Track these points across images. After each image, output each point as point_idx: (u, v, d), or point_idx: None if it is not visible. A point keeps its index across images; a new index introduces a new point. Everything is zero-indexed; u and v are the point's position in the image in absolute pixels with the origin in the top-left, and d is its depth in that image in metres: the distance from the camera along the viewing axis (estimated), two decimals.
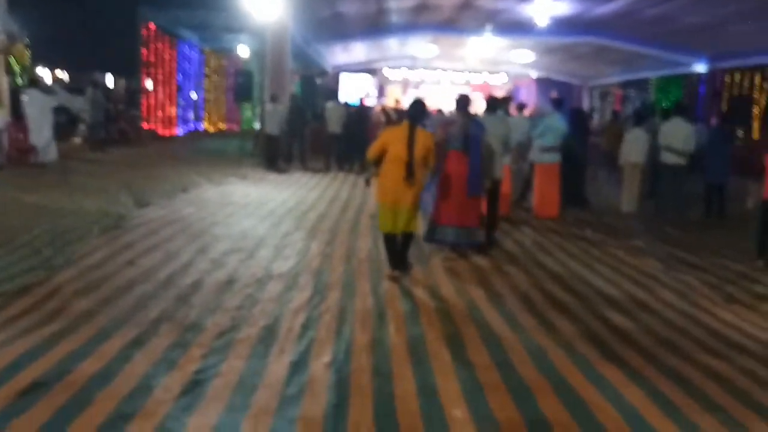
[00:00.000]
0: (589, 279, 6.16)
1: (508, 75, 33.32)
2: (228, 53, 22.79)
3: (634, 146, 9.56)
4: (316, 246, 6.94)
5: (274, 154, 14.42)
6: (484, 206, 7.29)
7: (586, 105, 29.58)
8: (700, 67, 22.17)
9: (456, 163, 6.67)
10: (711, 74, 21.99)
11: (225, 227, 7.69)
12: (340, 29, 21.11)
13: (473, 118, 6.98)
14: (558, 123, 9.16)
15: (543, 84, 31.36)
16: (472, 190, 6.64)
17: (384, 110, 13.52)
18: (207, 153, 16.27)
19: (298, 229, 7.83)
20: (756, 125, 19.66)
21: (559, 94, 30.14)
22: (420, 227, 6.70)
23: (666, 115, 11.40)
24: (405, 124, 5.83)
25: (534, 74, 31.58)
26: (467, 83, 33.37)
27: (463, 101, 6.89)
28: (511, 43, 24.44)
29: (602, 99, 30.86)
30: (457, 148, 6.66)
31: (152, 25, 18.19)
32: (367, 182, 6.48)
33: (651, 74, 25.35)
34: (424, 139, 5.76)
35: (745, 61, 20.12)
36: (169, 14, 17.85)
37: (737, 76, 21.01)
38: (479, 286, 5.77)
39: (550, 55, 26.64)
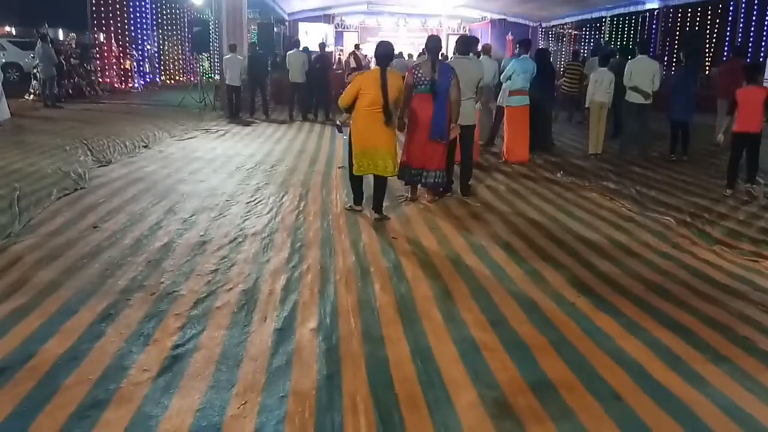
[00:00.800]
0: (568, 224, 5.93)
1: (462, 18, 32.65)
2: (182, 2, 21.58)
3: (599, 87, 9.26)
4: (289, 201, 6.54)
5: (237, 106, 13.78)
6: (458, 153, 6.99)
7: (541, 46, 29.15)
8: (653, 5, 21.91)
9: (422, 107, 6.31)
10: (663, 11, 21.76)
11: (192, 184, 7.21)
12: None
13: (441, 61, 6.56)
14: (527, 65, 8.78)
15: (498, 26, 30.75)
16: (434, 133, 6.29)
17: (355, 55, 12.90)
18: (166, 106, 15.45)
19: (269, 184, 7.39)
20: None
21: (515, 36, 29.72)
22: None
23: (625, 53, 11.14)
24: (376, 68, 5.73)
25: (489, 16, 30.92)
26: (424, 28, 32.62)
27: (432, 43, 6.45)
28: None
29: (557, 40, 30.48)
30: (424, 91, 6.27)
31: None
32: (339, 128, 6.61)
33: (605, 13, 24.96)
34: (395, 80, 5.70)
35: None
36: None
37: (688, 13, 20.84)
38: (460, 236, 5.48)
39: None
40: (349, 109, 5.89)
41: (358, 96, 5.72)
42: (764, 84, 9.58)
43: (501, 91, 9.17)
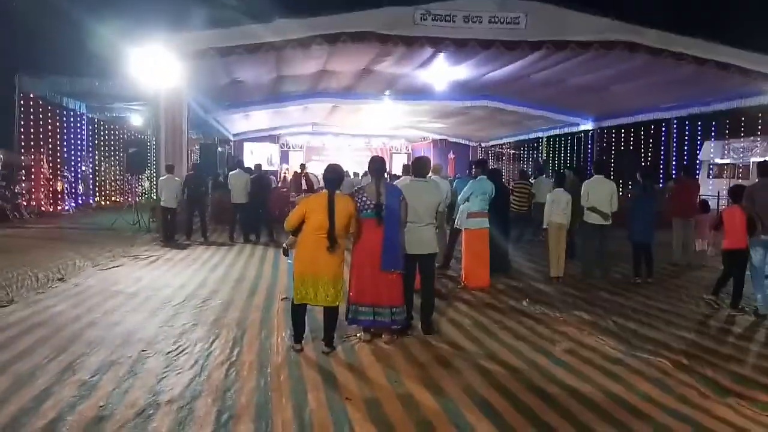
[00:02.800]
0: (551, 371, 4.93)
1: (406, 138, 33.06)
2: (120, 122, 20.76)
3: (556, 207, 8.64)
4: (220, 349, 5.36)
5: (172, 228, 12.65)
6: (418, 283, 6.06)
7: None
8: (588, 126, 22.41)
9: (368, 234, 5.49)
10: (598, 132, 22.25)
11: (104, 329, 5.95)
12: (240, 96, 19.78)
13: (388, 183, 5.77)
14: (485, 186, 8.10)
15: (440, 145, 31.17)
16: (386, 263, 5.43)
17: (306, 176, 12.14)
18: (97, 229, 14.14)
19: (198, 323, 6.21)
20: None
21: (456, 155, 30.03)
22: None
23: (559, 175, 10.68)
24: (324, 191, 5.29)
25: (431, 136, 31.35)
26: (368, 147, 32.81)
27: (375, 164, 5.71)
28: (410, 108, 23.95)
29: (496, 159, 30.93)
30: (369, 216, 5.45)
31: (31, 95, 16.05)
32: (285, 252, 6.04)
33: (541, 134, 25.52)
34: (344, 205, 5.26)
35: (627, 119, 20.44)
36: (51, 83, 15.77)
37: (622, 133, 21.30)
38: (429, 393, 4.40)
39: (447, 118, 26.36)
40: (296, 232, 5.35)
41: (304, 219, 5.18)
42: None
43: (458, 212, 8.42)
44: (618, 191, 8.93)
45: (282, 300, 7.15)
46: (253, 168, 13.98)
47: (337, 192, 5.27)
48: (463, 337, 5.87)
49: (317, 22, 13.52)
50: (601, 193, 8.47)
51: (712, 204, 12.20)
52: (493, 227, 8.29)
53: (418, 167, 6.08)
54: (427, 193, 5.88)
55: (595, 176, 8.72)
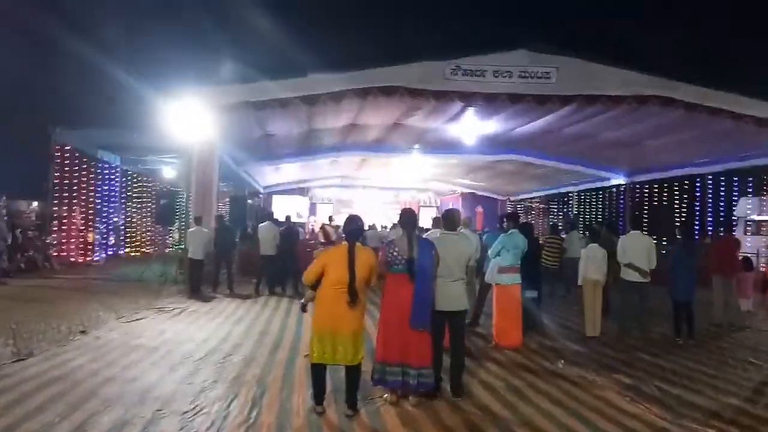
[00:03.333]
0: None
1: (434, 191, 33.00)
2: (153, 174, 21.05)
3: (592, 263, 8.29)
4: (239, 409, 5.08)
5: (198, 280, 12.53)
6: (447, 341, 5.75)
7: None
8: (619, 180, 22.03)
9: (398, 289, 5.24)
10: (630, 187, 21.85)
11: (121, 384, 5.72)
12: (271, 149, 19.93)
13: (420, 236, 5.54)
14: (517, 240, 7.80)
15: (468, 199, 30.96)
16: (415, 321, 5.15)
17: (323, 228, 11.91)
18: (124, 281, 14.09)
19: (218, 380, 5.96)
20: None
21: (485, 209, 29.76)
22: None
23: (594, 230, 10.31)
24: (344, 244, 5.11)
25: (459, 190, 31.21)
26: (397, 200, 32.78)
27: (407, 216, 5.51)
28: (438, 162, 23.91)
29: (525, 213, 30.56)
30: (400, 270, 5.21)
31: (66, 146, 16.36)
32: (304, 307, 5.84)
33: (572, 188, 25.18)
34: (365, 257, 5.06)
35: (660, 174, 20.04)
36: (85, 135, 16.08)
37: (655, 188, 20.88)
38: None
39: (475, 173, 26.25)
40: (315, 286, 5.12)
41: (323, 273, 5.01)
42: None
43: (489, 267, 8.12)
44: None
45: (306, 356, 6.81)
46: (283, 220, 13.91)
47: (358, 244, 5.08)
48: (494, 400, 5.50)
49: (349, 77, 13.61)
50: (638, 249, 8.11)
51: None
52: (524, 283, 7.96)
53: (449, 220, 5.85)
54: (458, 246, 5.63)
55: (632, 231, 8.38)
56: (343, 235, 5.32)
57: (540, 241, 11.78)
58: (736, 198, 18.51)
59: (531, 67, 13.88)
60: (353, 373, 5.08)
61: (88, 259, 17.76)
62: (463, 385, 5.67)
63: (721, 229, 10.12)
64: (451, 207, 6.71)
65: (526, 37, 14.38)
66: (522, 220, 19.05)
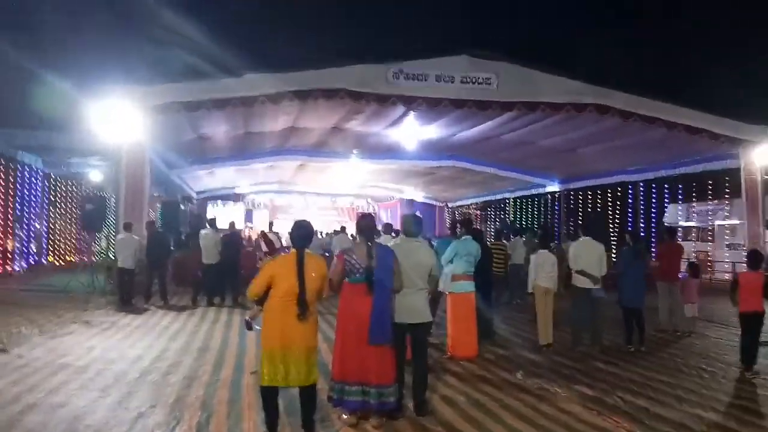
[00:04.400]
0: None
1: (372, 197, 32.76)
2: (78, 177, 19.76)
3: (542, 270, 8.12)
4: None
5: (129, 291, 11.71)
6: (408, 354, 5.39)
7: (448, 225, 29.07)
8: (554, 187, 22.38)
9: (356, 301, 4.85)
10: (564, 193, 22.22)
11: (45, 412, 5.05)
12: (205, 152, 19.16)
13: (379, 244, 5.15)
14: (470, 247, 7.53)
15: (406, 205, 30.86)
16: (374, 335, 4.76)
17: (264, 236, 11.31)
18: (48, 292, 13.04)
19: (156, 404, 5.37)
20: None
21: (423, 215, 29.76)
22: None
23: (542, 236, 10.22)
24: (291, 252, 4.62)
25: (397, 196, 31.08)
26: (334, 206, 32.38)
27: (365, 222, 5.13)
28: (377, 167, 23.67)
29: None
30: (358, 280, 4.82)
31: None
32: (249, 325, 5.19)
33: (508, 195, 25.44)
34: (316, 265, 4.63)
35: (594, 181, 20.45)
36: (4, 136, 14.87)
37: (589, 195, 21.29)
38: None
39: (414, 178, 26.16)
40: (261, 301, 4.62)
41: (270, 285, 4.52)
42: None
43: (442, 275, 7.82)
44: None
45: (252, 373, 6.34)
46: (227, 227, 13.26)
47: (307, 251, 4.61)
48: (459, 417, 5.16)
49: (289, 78, 13.15)
50: (590, 256, 7.99)
51: None
52: (478, 291, 7.71)
53: (410, 225, 5.46)
54: (420, 254, 5.27)
55: (583, 238, 8.26)
56: (288, 243, 4.87)
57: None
58: (667, 204, 19.08)
59: (472, 72, 13.83)
60: (308, 394, 4.62)
61: (7, 268, 16.44)
62: (427, 402, 5.30)
63: (665, 235, 10.16)
64: (415, 213, 6.35)
65: (467, 42, 14.28)
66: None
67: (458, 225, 8.30)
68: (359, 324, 4.80)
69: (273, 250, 9.76)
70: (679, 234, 18.85)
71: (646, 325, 8.47)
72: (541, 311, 8.19)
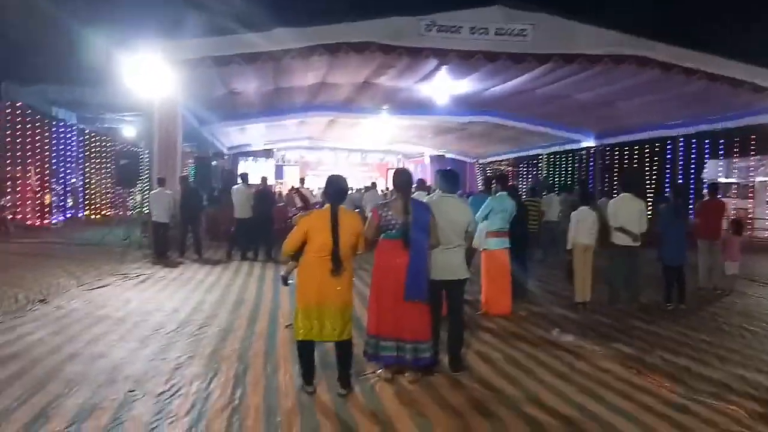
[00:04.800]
0: (610, 422, 4.15)
1: (402, 154, 32.46)
2: (112, 133, 19.91)
3: (582, 227, 7.90)
4: (221, 389, 4.57)
5: (164, 245, 11.85)
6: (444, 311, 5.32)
7: (479, 182, 28.70)
8: (589, 143, 21.83)
9: (391, 257, 4.75)
10: (599, 148, 21.66)
11: (86, 362, 5.14)
12: (236, 108, 19.04)
13: (415, 199, 5.02)
14: (505, 204, 7.36)
15: (436, 162, 30.47)
16: (410, 292, 4.68)
17: (299, 192, 11.28)
18: (85, 245, 13.29)
19: (194, 356, 5.43)
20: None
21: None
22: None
23: (583, 193, 9.96)
24: (326, 207, 4.55)
25: (427, 152, 30.73)
26: (364, 162, 32.22)
27: (401, 177, 4.96)
28: (408, 123, 23.33)
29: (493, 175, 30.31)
30: (394, 236, 4.71)
31: (18, 104, 15.20)
32: (285, 280, 5.10)
33: (541, 150, 24.92)
34: (350, 221, 4.57)
35: (631, 136, 19.86)
36: (39, 91, 14.95)
37: (625, 151, 20.72)
38: None
39: (445, 134, 25.75)
40: (296, 256, 4.58)
41: (305, 240, 4.47)
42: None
43: (476, 231, 7.68)
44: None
45: (287, 327, 6.35)
46: (259, 182, 13.23)
47: (341, 206, 4.54)
48: (496, 375, 5.10)
49: (318, 32, 12.85)
50: (629, 213, 7.74)
51: None
52: (513, 247, 7.56)
53: (446, 180, 5.29)
54: (457, 210, 5.13)
55: (623, 194, 8.00)
56: (322, 198, 4.79)
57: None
58: (707, 160, 18.48)
59: (507, 24, 13.33)
60: (344, 349, 4.60)
61: (45, 222, 16.78)
62: (462, 358, 5.25)
63: (706, 192, 9.81)
64: (451, 168, 6.13)
65: None
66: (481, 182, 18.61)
67: (493, 181, 8.10)
68: (395, 280, 4.72)
69: (307, 205, 9.71)
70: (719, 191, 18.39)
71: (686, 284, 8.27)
72: (578, 269, 8.01)
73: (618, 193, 8.27)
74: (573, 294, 8.06)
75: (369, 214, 5.05)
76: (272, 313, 7.27)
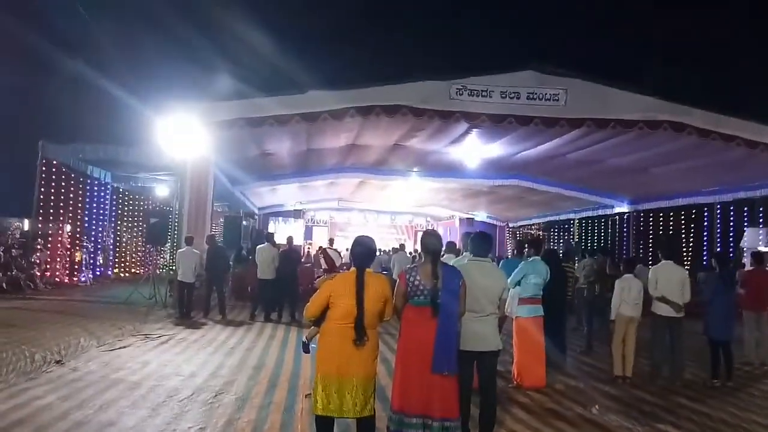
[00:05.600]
0: None
1: (431, 216, 32.29)
2: (145, 192, 20.14)
3: (627, 297, 7.42)
4: None
5: (188, 305, 11.63)
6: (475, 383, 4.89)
7: (509, 246, 28.22)
8: (623, 208, 21.36)
9: (419, 326, 4.38)
10: (634, 215, 21.16)
11: (95, 431, 4.83)
12: (268, 169, 19.16)
13: (445, 263, 4.69)
14: (539, 268, 7.00)
15: (465, 224, 30.19)
16: (438, 364, 4.28)
17: (324, 252, 11.01)
18: (111, 303, 13.15)
19: (206, 427, 5.07)
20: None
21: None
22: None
23: (627, 260, 9.51)
24: (351, 270, 4.19)
25: (457, 215, 30.49)
26: (393, 224, 32.10)
27: (430, 240, 4.61)
28: (437, 185, 23.23)
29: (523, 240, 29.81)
30: (421, 303, 4.36)
31: (54, 161, 15.47)
32: (306, 347, 4.62)
33: (573, 215, 24.49)
34: (377, 286, 4.17)
35: (666, 202, 19.38)
36: (74, 150, 15.22)
37: (660, 217, 20.18)
38: None
39: (475, 197, 25.55)
40: (318, 321, 4.21)
41: (328, 305, 4.11)
42: None
43: (508, 298, 7.29)
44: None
45: (306, 396, 5.95)
46: (284, 242, 13.05)
47: (368, 270, 4.20)
48: None
49: (351, 95, 12.95)
50: (671, 281, 7.29)
51: None
52: (547, 315, 7.13)
53: (479, 244, 4.97)
54: (489, 276, 4.79)
55: (664, 262, 7.56)
56: (349, 261, 4.47)
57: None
58: (746, 228, 17.82)
59: (539, 88, 13.25)
60: (366, 426, 4.19)
61: (74, 279, 16.79)
62: None
63: (752, 261, 9.27)
64: (483, 231, 5.83)
65: (534, 57, 13.70)
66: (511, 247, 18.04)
67: (526, 245, 7.74)
68: (422, 351, 4.34)
69: (332, 267, 9.42)
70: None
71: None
72: (618, 341, 7.50)
73: (657, 261, 7.81)
74: (611, 366, 7.52)
75: (396, 277, 4.72)
76: (292, 380, 6.90)
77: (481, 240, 5.02)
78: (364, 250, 4.29)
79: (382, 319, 4.31)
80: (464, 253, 6.82)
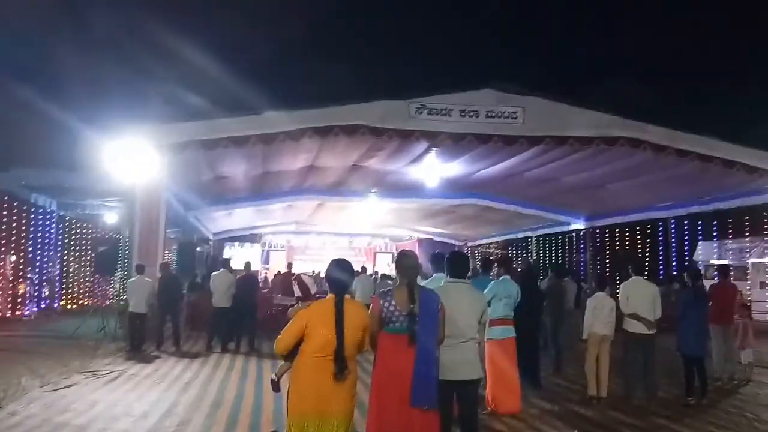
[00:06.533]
0: None
1: (390, 237, 32.02)
2: (93, 219, 19.21)
3: (599, 315, 7.23)
4: None
5: (140, 337, 10.95)
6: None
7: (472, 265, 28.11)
8: (579, 225, 21.51)
9: (395, 355, 4.02)
10: (590, 231, 21.32)
11: None
12: (223, 193, 18.57)
13: (422, 287, 4.35)
14: (510, 288, 6.74)
15: (425, 245, 30.00)
16: (417, 398, 3.92)
17: (298, 278, 10.51)
18: (56, 338, 12.29)
19: None
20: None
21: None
22: None
23: (599, 277, 9.41)
24: (329, 297, 3.82)
25: (416, 236, 30.30)
26: (351, 246, 31.69)
27: (406, 261, 4.29)
28: (396, 206, 22.98)
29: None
30: (397, 330, 4.01)
31: None
32: (275, 386, 4.22)
33: (531, 233, 24.58)
34: (356, 315, 3.84)
35: (621, 218, 19.58)
36: (15, 177, 14.39)
37: (616, 233, 20.37)
38: None
39: (434, 217, 25.39)
40: (289, 356, 3.78)
41: (303, 337, 3.70)
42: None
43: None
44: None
45: None
46: (242, 267, 12.49)
47: (347, 297, 3.84)
48: None
49: (309, 115, 12.59)
50: (642, 297, 7.12)
51: None
52: (520, 337, 6.86)
53: (456, 264, 4.65)
54: (469, 299, 4.45)
55: (634, 277, 7.40)
56: (324, 287, 4.07)
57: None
58: (700, 241, 18.13)
59: (497, 107, 13.20)
60: None
61: (17, 313, 15.77)
62: None
63: (718, 274, 9.25)
64: (461, 251, 5.53)
65: (492, 76, 13.68)
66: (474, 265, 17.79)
67: (496, 264, 7.47)
68: (399, 382, 3.96)
69: (307, 295, 8.93)
70: (710, 272, 17.92)
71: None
72: (591, 361, 7.29)
73: (625, 277, 7.64)
74: (585, 387, 7.28)
75: (360, 300, 4.35)
76: (254, 416, 6.40)
77: (458, 260, 4.70)
78: (341, 276, 3.92)
79: (361, 349, 3.95)
80: (434, 275, 6.52)
